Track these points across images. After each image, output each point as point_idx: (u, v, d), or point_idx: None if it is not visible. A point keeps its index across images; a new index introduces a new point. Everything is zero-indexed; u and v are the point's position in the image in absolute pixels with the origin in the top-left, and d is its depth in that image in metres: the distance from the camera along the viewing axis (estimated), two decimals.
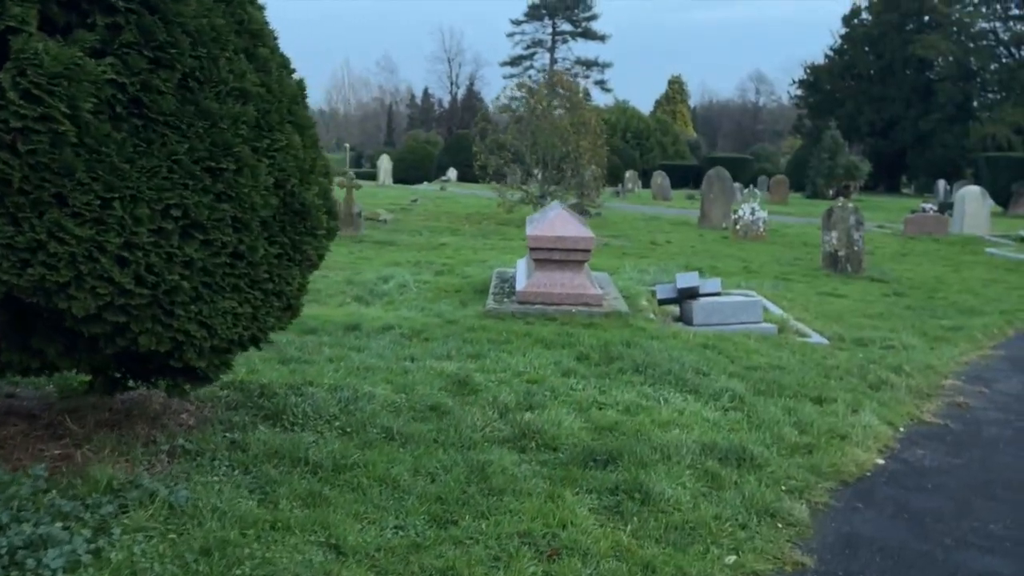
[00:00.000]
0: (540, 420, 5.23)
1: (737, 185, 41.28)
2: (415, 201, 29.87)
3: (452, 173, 51.08)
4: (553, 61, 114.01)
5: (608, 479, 4.51)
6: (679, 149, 74.28)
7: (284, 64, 4.23)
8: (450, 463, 4.54)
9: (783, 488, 4.71)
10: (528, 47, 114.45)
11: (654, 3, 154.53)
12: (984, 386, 7.45)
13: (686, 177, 59.97)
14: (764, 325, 9.06)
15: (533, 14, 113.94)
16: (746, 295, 10.85)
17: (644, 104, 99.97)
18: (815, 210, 28.06)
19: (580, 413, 5.56)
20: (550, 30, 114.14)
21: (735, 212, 20.66)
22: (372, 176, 57.13)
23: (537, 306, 8.86)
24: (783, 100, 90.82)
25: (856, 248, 14.27)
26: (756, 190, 21.03)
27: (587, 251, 8.95)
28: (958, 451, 5.71)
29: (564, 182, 23.12)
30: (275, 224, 4.16)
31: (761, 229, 19.95)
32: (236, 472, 4.28)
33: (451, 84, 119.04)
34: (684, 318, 9.27)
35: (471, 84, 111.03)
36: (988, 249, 19.20)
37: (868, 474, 5.15)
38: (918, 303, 11.51)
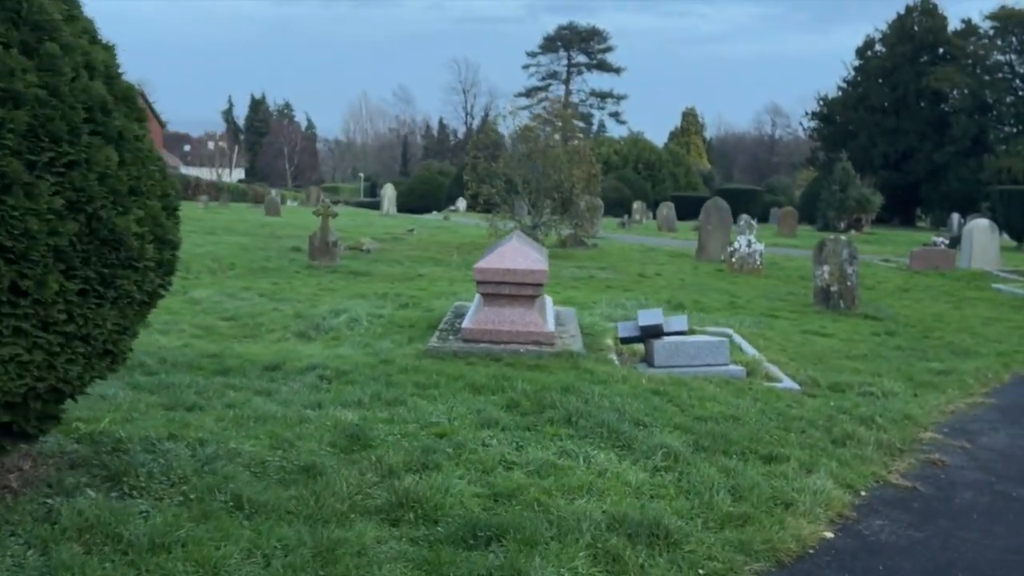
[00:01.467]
0: (425, 485, 4.49)
1: (744, 217, 40.62)
2: (411, 231, 29.26)
3: (461, 203, 50.56)
4: (568, 93, 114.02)
5: (483, 563, 3.76)
6: (691, 180, 73.65)
7: (91, 64, 3.55)
8: (295, 541, 3.81)
9: (700, 572, 3.95)
10: (543, 79, 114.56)
11: (670, 36, 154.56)
12: (967, 440, 6.66)
13: (697, 208, 59.11)
14: (732, 368, 8.30)
15: (548, 46, 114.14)
16: (720, 334, 10.11)
17: (659, 136, 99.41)
18: None
19: (480, 475, 4.83)
20: (565, 62, 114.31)
21: (730, 244, 19.90)
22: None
23: (483, 345, 8.15)
24: (799, 132, 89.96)
25: (850, 283, 13.49)
26: (753, 222, 20.22)
27: (539, 285, 8.23)
28: (923, 522, 4.93)
29: (556, 212, 22.43)
30: (75, 255, 3.47)
31: (758, 262, 19.18)
32: (30, 553, 3.57)
33: (466, 115, 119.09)
34: (647, 359, 8.53)
35: (486, 115, 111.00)
36: (995, 285, 18.34)
37: (810, 552, 4.39)
38: (910, 343, 10.70)
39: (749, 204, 58.80)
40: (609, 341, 9.20)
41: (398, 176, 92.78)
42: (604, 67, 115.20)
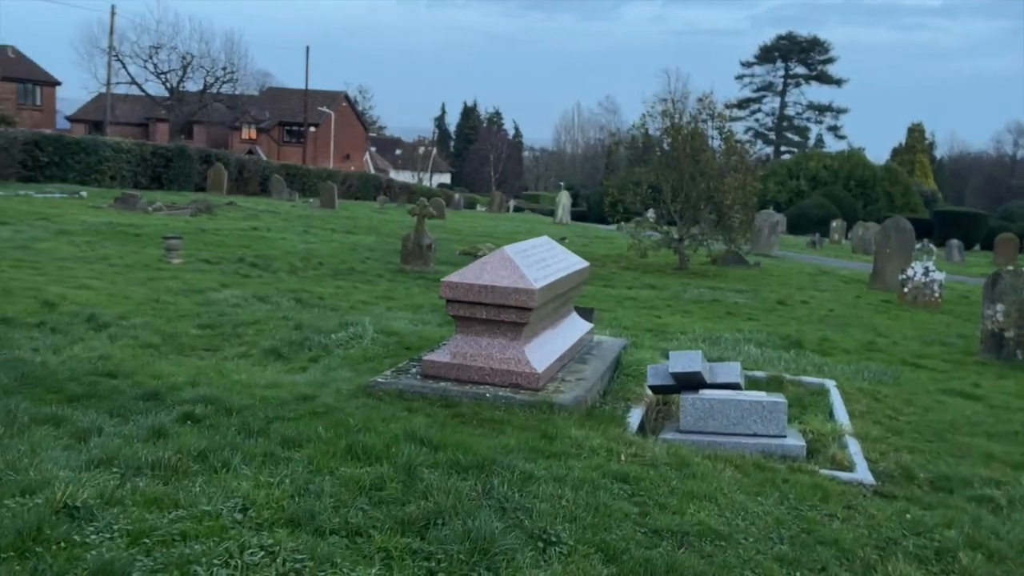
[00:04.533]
0: None
1: (955, 243, 35.90)
2: (563, 239, 27.36)
3: (651, 214, 48.11)
4: (783, 105, 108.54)
5: None
6: (909, 200, 67.56)
7: None
8: None
9: None
10: (757, 90, 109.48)
11: (902, 51, 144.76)
12: None
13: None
14: (788, 442, 5.90)
15: (765, 57, 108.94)
16: (815, 387, 7.61)
17: (880, 153, 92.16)
18: None
19: None
20: (782, 73, 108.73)
21: (902, 272, 16.72)
22: (582, 216, 55.31)
23: (443, 384, 6.14)
24: None
25: None
26: (931, 246, 16.93)
27: (525, 309, 6.12)
28: None
29: (706, 224, 19.89)
30: None
31: (936, 294, 15.96)
32: None
33: (693, 131, 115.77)
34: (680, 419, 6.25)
35: (694, 125, 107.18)
36: None
37: None
38: None
39: (971, 229, 52.90)
40: (637, 389, 6.95)
41: (599, 186, 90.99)
42: (824, 79, 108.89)
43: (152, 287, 10.70)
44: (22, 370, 6.05)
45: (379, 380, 6.18)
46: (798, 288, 17.88)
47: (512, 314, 6.17)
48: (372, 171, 74.22)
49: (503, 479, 4.42)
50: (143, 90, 61.33)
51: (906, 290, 16.25)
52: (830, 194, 61.79)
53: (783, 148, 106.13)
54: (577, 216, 50.12)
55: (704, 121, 20.21)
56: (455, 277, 6.30)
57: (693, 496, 4.62)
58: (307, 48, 60.04)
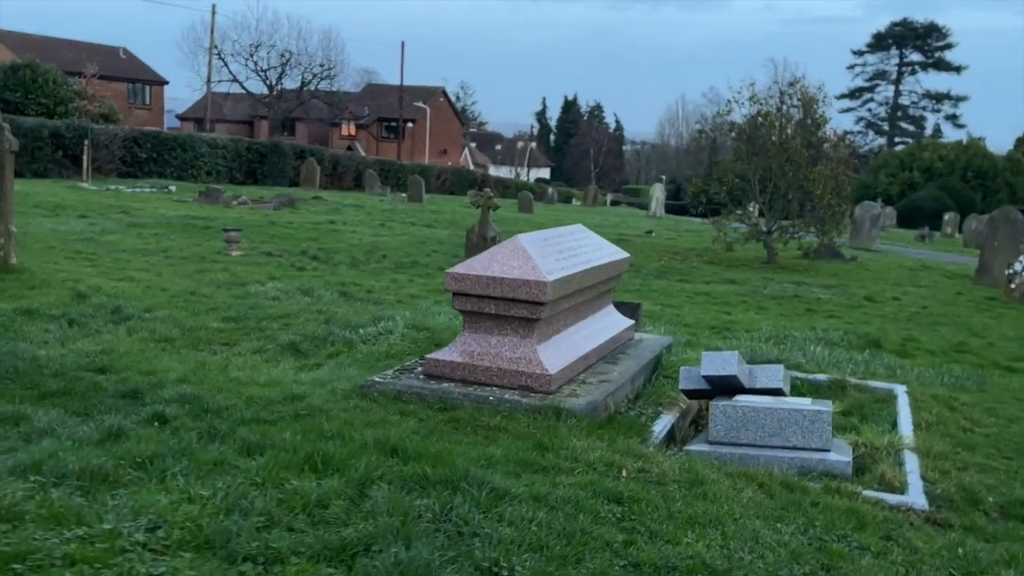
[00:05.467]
0: None
1: None
2: (649, 232, 26.56)
3: (754, 207, 46.60)
4: (897, 94, 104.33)
5: None
6: None
7: None
8: None
9: None
10: (870, 79, 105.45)
11: (1022, 34, 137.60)
12: None
13: None
14: (831, 457, 5.16)
15: (878, 44, 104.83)
16: (882, 392, 6.81)
17: (1003, 143, 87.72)
18: None
19: None
20: (896, 61, 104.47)
21: (1009, 267, 15.42)
22: (683, 210, 53.89)
23: (447, 385, 5.60)
24: None
25: None
26: None
27: (536, 304, 5.52)
28: None
29: (795, 216, 18.84)
30: None
31: None
32: None
33: (780, 117, 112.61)
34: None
35: (804, 115, 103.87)
36: None
37: None
38: None
39: None
40: (673, 393, 6.28)
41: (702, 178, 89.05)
42: (941, 65, 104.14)
43: (197, 279, 10.48)
44: (8, 364, 5.76)
45: (377, 380, 5.67)
46: (894, 284, 16.73)
47: (523, 309, 5.58)
48: (471, 166, 74.32)
49: (469, 498, 3.85)
50: (244, 88, 62.64)
51: (1013, 286, 14.97)
52: (945, 186, 58.99)
53: (897, 139, 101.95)
54: (678, 210, 48.92)
55: (795, 107, 19.13)
56: (461, 268, 5.74)
57: (695, 522, 3.96)
58: (402, 43, 59.95)
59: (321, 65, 62.69)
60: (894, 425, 6.12)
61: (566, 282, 5.80)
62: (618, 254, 7.06)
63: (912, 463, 5.25)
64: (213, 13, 52.70)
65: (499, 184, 57.26)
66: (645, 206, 50.78)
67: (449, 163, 64.90)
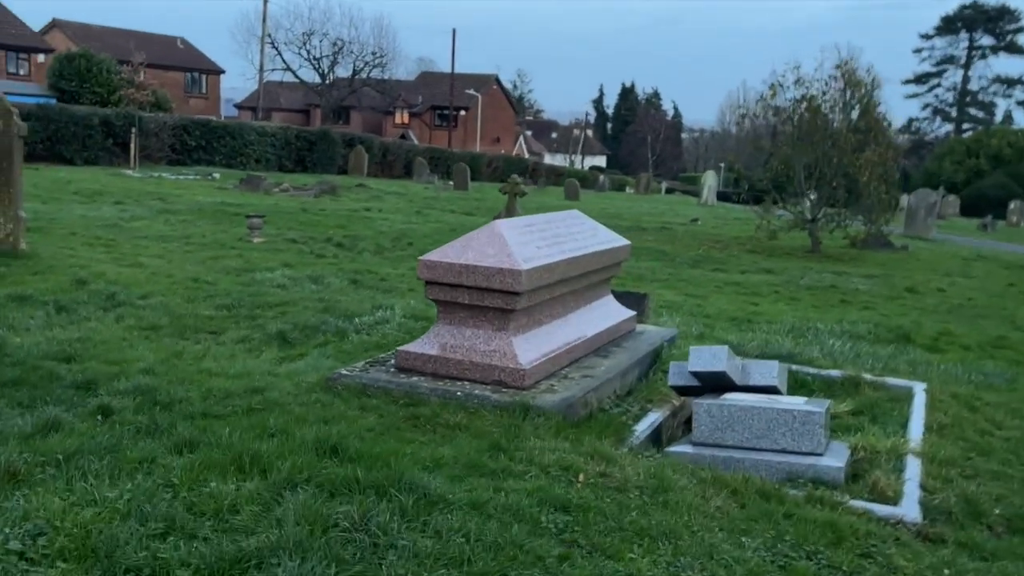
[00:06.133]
0: None
1: None
2: (695, 220, 25.98)
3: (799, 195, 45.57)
4: (966, 79, 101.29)
5: None
6: None
7: None
8: None
9: None
10: (937, 63, 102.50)
11: None
12: None
13: None
14: (823, 462, 4.76)
15: (947, 28, 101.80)
16: (899, 390, 6.37)
17: None
18: None
19: None
20: (966, 44, 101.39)
21: None
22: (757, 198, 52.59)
23: (415, 379, 5.31)
24: None
25: None
26: None
27: (511, 294, 5.19)
28: None
29: (841, 203, 18.18)
30: None
31: None
32: None
33: (844, 103, 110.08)
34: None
35: (868, 100, 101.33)
36: None
37: None
38: None
39: None
40: (664, 390, 5.90)
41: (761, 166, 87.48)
42: (1013, 49, 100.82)
43: (209, 266, 10.33)
44: None
45: (344, 373, 5.40)
46: (943, 274, 16.03)
47: (497, 299, 5.26)
48: (526, 155, 73.88)
49: (396, 505, 3.55)
50: (297, 76, 63.04)
51: None
52: (1013, 173, 57.11)
53: (965, 125, 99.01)
54: (756, 199, 47.91)
55: (842, 90, 18.44)
56: (435, 255, 5.43)
57: (646, 534, 3.60)
58: (453, 31, 60.06)
59: (373, 53, 62.86)
60: (905, 426, 5.67)
61: (547, 270, 5.46)
62: (615, 241, 6.69)
63: (913, 470, 4.82)
64: (265, 2, 53.03)
65: (551, 172, 56.82)
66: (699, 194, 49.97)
67: (502, 151, 64.60)
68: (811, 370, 6.84)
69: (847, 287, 12.97)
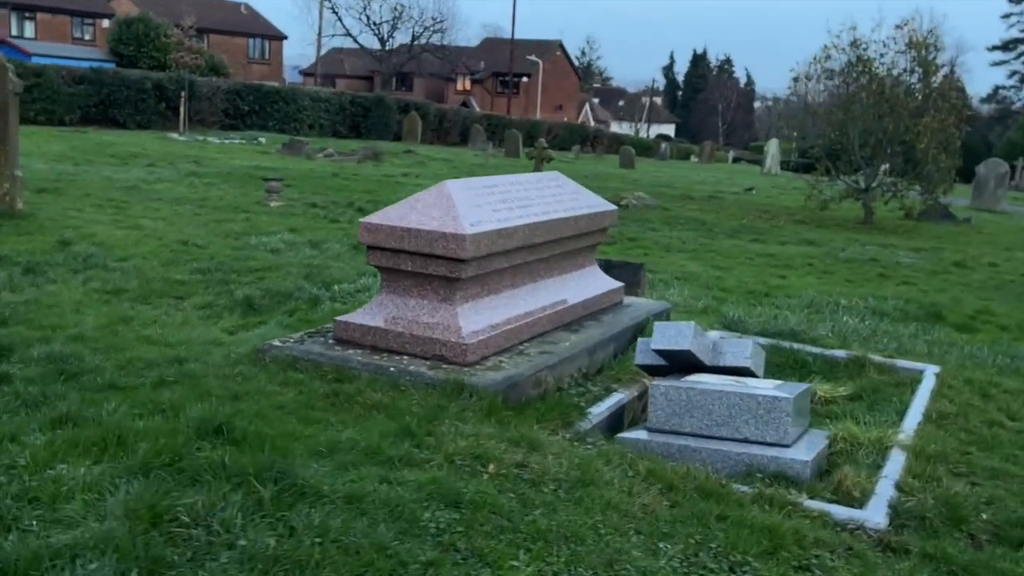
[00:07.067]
0: None
1: None
2: (750, 189, 25.11)
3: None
4: None
5: None
6: None
7: None
8: None
9: None
10: None
11: None
12: None
13: None
14: (787, 454, 4.23)
15: None
16: (911, 373, 5.78)
17: None
18: None
19: None
20: None
21: None
22: (810, 167, 51.05)
23: (350, 352, 4.88)
24: None
25: None
26: None
27: (456, 260, 4.71)
28: None
29: (899, 172, 17.23)
30: None
31: None
32: None
33: (924, 71, 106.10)
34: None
35: (951, 71, 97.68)
36: None
37: None
38: None
39: None
40: (633, 367, 5.38)
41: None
42: None
43: (210, 229, 10.05)
44: None
45: (275, 344, 4.99)
46: (1004, 248, 15.07)
47: (441, 266, 4.79)
48: (591, 123, 72.82)
49: (254, 497, 3.13)
50: (357, 41, 62.85)
51: None
52: None
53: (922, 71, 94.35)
54: (806, 168, 46.53)
55: (901, 52, 17.42)
56: (376, 217, 4.98)
57: (542, 537, 3.13)
58: None
59: (433, 18, 62.32)
60: (903, 415, 5.08)
61: (502, 235, 4.97)
62: (598, 207, 6.15)
63: (894, 465, 4.24)
64: None
65: (613, 140, 55.82)
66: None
67: (565, 118, 63.71)
68: (814, 349, 6.25)
69: (888, 261, 12.17)
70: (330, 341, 5.06)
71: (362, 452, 3.66)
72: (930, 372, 5.85)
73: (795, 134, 19.43)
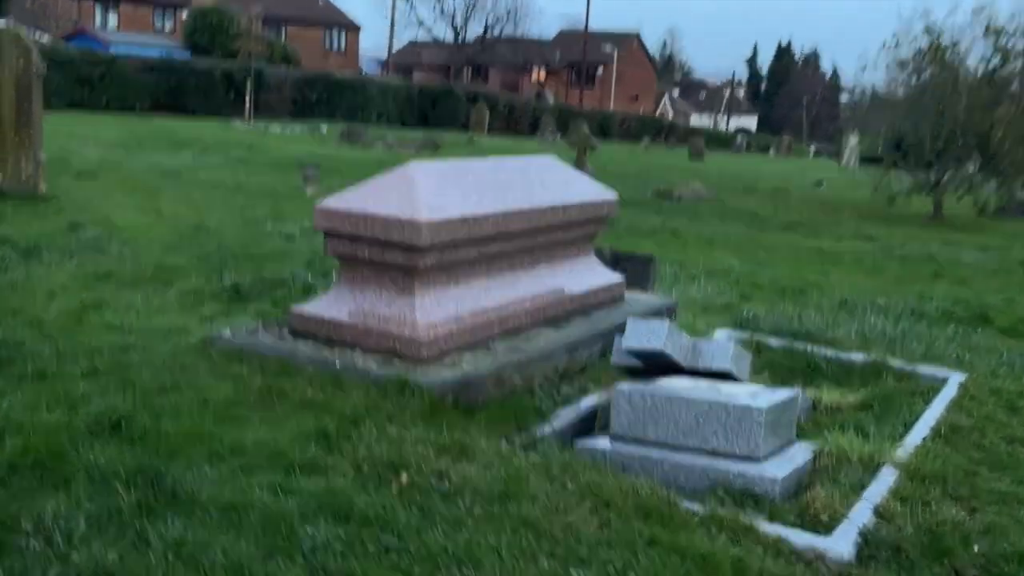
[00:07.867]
0: None
1: None
2: (820, 183, 24.22)
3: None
4: None
5: None
6: None
7: None
8: None
9: None
10: None
11: None
12: None
13: None
14: (752, 470, 3.76)
15: None
16: (932, 380, 5.26)
17: None
18: None
19: None
20: None
21: None
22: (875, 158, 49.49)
23: (298, 344, 4.59)
24: None
25: None
26: None
27: (416, 250, 4.36)
28: None
29: (973, 166, 16.31)
30: None
31: None
32: None
33: (957, 51, 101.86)
34: None
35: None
36: None
37: None
38: None
39: None
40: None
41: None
42: None
43: (233, 214, 9.90)
44: None
45: (225, 335, 4.72)
46: None
47: (397, 255, 4.45)
48: (670, 114, 71.83)
49: (113, 503, 2.84)
50: (429, 32, 62.93)
51: None
52: None
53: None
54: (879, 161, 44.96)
55: (979, 39, 16.47)
56: (332, 201, 4.66)
57: (431, 561, 2.78)
58: None
59: (507, 10, 62.00)
60: (911, 427, 4.56)
61: (470, 223, 4.60)
62: (593, 194, 5.73)
63: (879, 486, 3.75)
64: None
65: (689, 132, 54.81)
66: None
67: (640, 110, 62.85)
68: (829, 352, 5.74)
69: (946, 259, 11.42)
70: (285, 332, 4.76)
71: (266, 456, 3.35)
72: (954, 380, 5.31)
73: (881, 128, 18.49)
